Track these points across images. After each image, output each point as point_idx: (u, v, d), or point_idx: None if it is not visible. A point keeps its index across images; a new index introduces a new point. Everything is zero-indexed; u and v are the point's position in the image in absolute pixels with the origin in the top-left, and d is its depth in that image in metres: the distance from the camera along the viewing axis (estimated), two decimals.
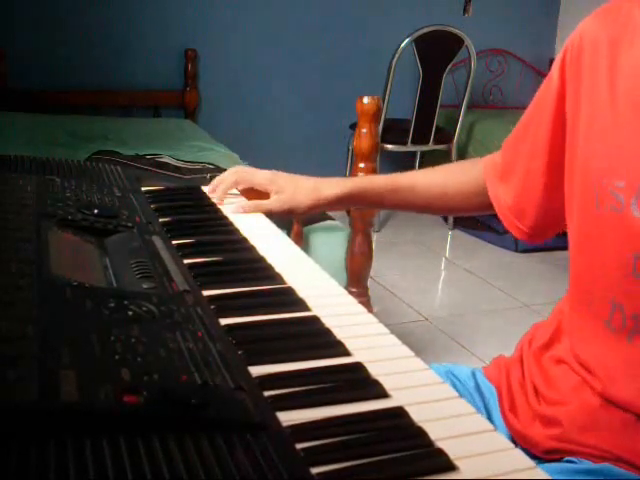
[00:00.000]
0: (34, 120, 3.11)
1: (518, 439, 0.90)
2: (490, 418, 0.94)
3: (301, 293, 0.79)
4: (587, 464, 0.81)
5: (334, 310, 0.76)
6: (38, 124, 3.05)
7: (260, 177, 1.13)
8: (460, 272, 3.34)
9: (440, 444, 0.54)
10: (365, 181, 1.15)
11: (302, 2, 3.91)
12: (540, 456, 0.87)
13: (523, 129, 0.97)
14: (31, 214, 0.87)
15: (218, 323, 0.69)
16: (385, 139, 3.55)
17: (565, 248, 0.87)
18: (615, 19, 0.82)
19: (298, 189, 1.09)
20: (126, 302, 0.67)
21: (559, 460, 0.85)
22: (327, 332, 0.70)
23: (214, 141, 3.18)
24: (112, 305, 0.66)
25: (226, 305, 0.73)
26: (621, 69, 0.78)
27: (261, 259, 0.88)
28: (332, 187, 1.09)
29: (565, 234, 0.90)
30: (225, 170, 1.18)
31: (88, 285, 0.70)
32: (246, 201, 1.12)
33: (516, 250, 3.55)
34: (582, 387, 0.83)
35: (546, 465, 0.84)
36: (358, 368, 0.64)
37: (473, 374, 1.00)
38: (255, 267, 0.86)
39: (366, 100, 1.98)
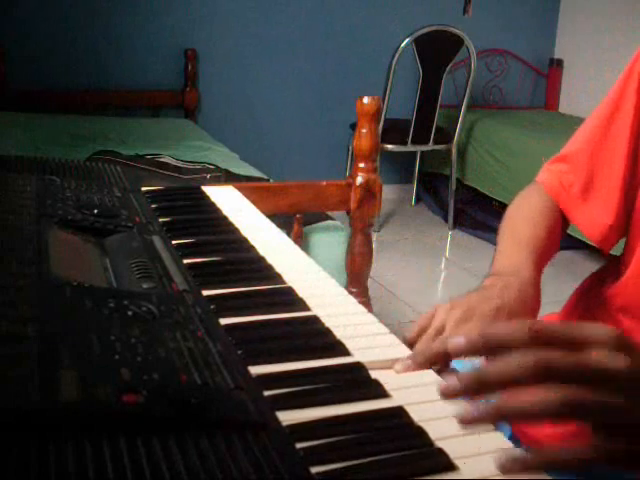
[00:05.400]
0: (34, 120, 3.11)
1: (523, 439, 0.90)
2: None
3: (301, 293, 0.79)
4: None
5: (334, 310, 0.76)
6: (38, 124, 3.05)
7: (501, 316, 0.75)
8: (460, 272, 3.34)
9: (440, 444, 0.54)
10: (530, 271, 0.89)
11: (302, 2, 3.91)
12: None
13: (601, 135, 0.91)
14: (31, 214, 0.86)
15: (218, 323, 0.69)
16: (385, 139, 3.55)
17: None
18: None
19: (526, 301, 0.82)
20: (126, 302, 0.67)
21: None
22: (327, 332, 0.70)
23: (214, 141, 3.18)
24: (112, 305, 0.65)
25: (226, 305, 0.73)
26: None
27: (261, 259, 0.88)
28: (530, 287, 0.85)
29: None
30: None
31: (88, 285, 0.70)
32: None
33: None
34: None
35: None
36: (358, 368, 0.64)
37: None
38: (255, 267, 0.86)
39: (366, 100, 1.97)
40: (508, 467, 0.50)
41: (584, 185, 0.92)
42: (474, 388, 0.52)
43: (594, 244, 0.92)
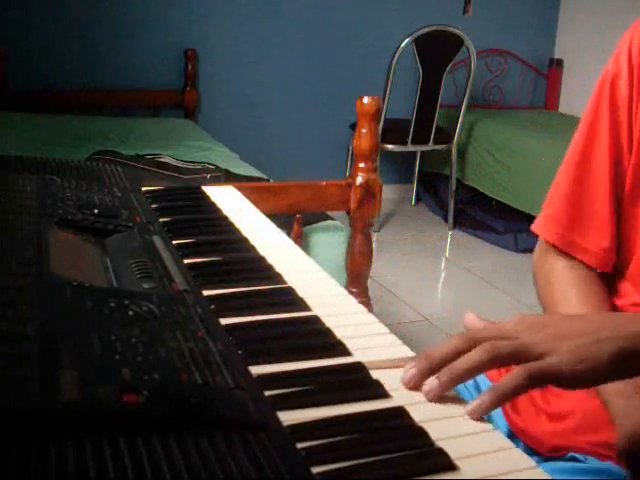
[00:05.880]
0: (34, 120, 3.11)
1: (521, 437, 0.90)
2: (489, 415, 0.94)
3: (301, 293, 0.79)
4: (593, 462, 0.81)
5: (334, 310, 0.76)
6: (38, 124, 3.05)
7: None
8: (460, 272, 3.34)
9: (440, 444, 0.54)
10: None
11: (302, 2, 3.91)
12: (544, 454, 0.87)
13: (580, 160, 0.92)
14: (31, 214, 0.86)
15: (218, 323, 0.69)
16: (385, 139, 3.54)
17: None
18: None
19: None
20: (126, 302, 0.67)
21: (563, 456, 0.85)
22: (327, 332, 0.70)
23: (214, 141, 3.18)
24: (112, 305, 0.65)
25: (226, 305, 0.73)
26: None
27: (261, 259, 0.88)
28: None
29: None
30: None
31: (88, 285, 0.70)
32: None
33: (516, 250, 3.55)
34: None
35: (551, 464, 0.84)
36: (358, 368, 0.64)
37: None
38: (255, 267, 0.86)
39: (366, 100, 1.97)
40: (476, 415, 0.59)
41: (571, 214, 0.94)
42: (428, 369, 0.61)
43: (593, 267, 0.93)
